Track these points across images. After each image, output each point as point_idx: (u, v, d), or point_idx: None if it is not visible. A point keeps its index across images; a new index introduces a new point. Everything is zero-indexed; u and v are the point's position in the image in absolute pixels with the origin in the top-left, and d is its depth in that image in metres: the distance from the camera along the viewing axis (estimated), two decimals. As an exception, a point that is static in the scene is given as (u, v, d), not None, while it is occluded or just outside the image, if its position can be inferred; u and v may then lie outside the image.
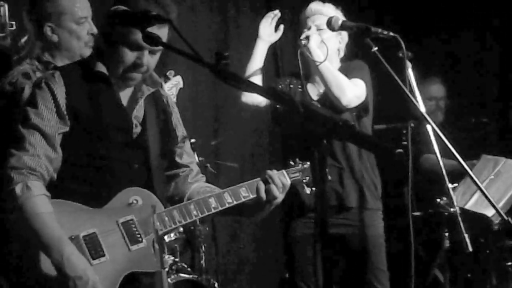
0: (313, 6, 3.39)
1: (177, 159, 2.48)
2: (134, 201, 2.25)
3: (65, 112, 2.24)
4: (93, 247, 2.16)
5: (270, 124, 4.47)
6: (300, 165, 2.54)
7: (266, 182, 2.37)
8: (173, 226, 2.28)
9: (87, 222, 2.18)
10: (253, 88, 2.12)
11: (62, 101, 2.24)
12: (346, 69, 3.40)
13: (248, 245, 5.10)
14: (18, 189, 2.12)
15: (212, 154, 4.63)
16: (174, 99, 3.10)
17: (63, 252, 2.09)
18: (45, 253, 2.11)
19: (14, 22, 2.89)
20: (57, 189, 2.21)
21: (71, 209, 2.18)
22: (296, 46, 3.38)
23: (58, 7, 2.71)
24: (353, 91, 3.29)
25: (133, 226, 2.22)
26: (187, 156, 2.50)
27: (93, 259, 2.15)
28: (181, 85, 3.19)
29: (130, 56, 2.26)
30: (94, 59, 2.36)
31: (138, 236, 2.22)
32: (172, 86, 3.14)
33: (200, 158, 4.36)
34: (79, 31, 2.74)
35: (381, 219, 3.45)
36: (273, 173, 2.38)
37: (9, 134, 2.24)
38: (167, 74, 3.15)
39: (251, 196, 2.36)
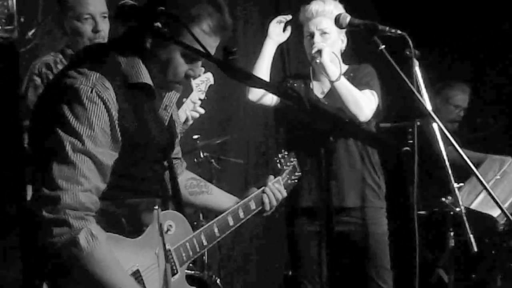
0: (313, 7, 3.34)
1: None
2: (169, 227, 2.17)
3: (119, 137, 1.97)
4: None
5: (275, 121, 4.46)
6: (288, 164, 2.69)
7: (268, 194, 2.53)
8: (201, 251, 2.29)
9: (129, 257, 2.04)
10: (260, 84, 2.10)
11: (116, 121, 1.95)
12: (354, 75, 3.38)
13: (251, 242, 5.10)
14: (82, 238, 1.87)
15: (217, 150, 4.62)
16: (203, 96, 3.08)
17: None
18: None
19: (22, 16, 2.91)
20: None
21: (112, 243, 2.00)
22: (308, 57, 3.36)
23: (62, 3, 2.81)
24: (369, 107, 3.28)
25: (170, 257, 2.17)
26: (177, 147, 2.48)
27: None
28: (211, 81, 3.12)
29: (184, 67, 2.05)
30: (136, 57, 2.04)
31: (174, 268, 2.18)
32: (201, 83, 3.11)
33: (205, 154, 4.36)
34: (80, 28, 2.80)
35: (385, 217, 3.45)
36: (274, 188, 2.54)
37: (50, 151, 1.90)
38: None
39: (258, 209, 2.52)
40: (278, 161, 2.66)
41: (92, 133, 1.90)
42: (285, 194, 2.59)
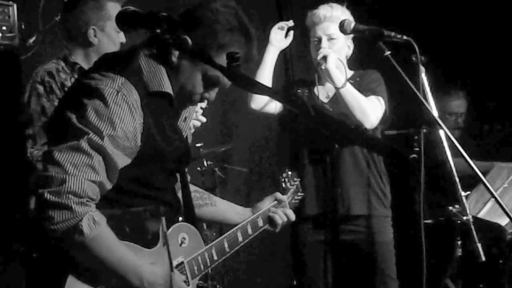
0: (321, 12, 3.32)
1: None
2: (183, 240, 2.17)
3: (139, 143, 1.96)
4: None
5: (278, 129, 4.43)
6: (292, 183, 2.71)
7: (281, 216, 2.56)
8: (212, 265, 2.28)
9: None
10: (264, 90, 2.07)
11: (138, 127, 1.95)
12: (361, 80, 3.36)
13: (256, 251, 5.06)
14: (85, 225, 1.85)
15: (221, 159, 4.59)
16: (205, 104, 3.08)
17: (155, 278, 1.99)
18: (133, 282, 1.96)
19: (22, 23, 2.91)
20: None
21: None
22: (314, 62, 3.33)
23: (105, 13, 2.88)
24: (375, 113, 3.25)
25: (183, 270, 2.15)
26: None
27: None
28: None
29: (200, 89, 2.07)
30: (161, 66, 2.05)
31: (186, 280, 2.16)
32: None
33: (209, 162, 4.33)
34: (116, 38, 2.94)
35: (391, 226, 3.42)
36: (283, 211, 2.56)
37: (67, 138, 1.90)
38: None
39: (264, 227, 2.55)
40: (283, 180, 2.67)
41: (113, 133, 1.90)
42: (293, 218, 2.60)
